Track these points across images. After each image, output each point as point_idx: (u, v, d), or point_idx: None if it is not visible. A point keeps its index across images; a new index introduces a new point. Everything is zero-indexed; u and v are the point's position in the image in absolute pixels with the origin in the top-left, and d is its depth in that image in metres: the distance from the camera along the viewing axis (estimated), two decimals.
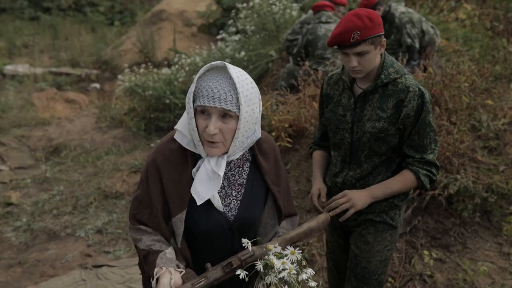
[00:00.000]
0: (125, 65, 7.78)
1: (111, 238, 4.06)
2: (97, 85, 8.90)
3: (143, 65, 7.37)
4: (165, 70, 6.89)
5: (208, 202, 1.56)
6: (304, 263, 1.48)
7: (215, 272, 1.47)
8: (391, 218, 2.11)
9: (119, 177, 5.10)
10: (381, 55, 2.01)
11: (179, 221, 1.54)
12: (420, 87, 1.96)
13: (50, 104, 7.84)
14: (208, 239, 1.59)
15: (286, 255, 1.47)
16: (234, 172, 1.62)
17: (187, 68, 6.53)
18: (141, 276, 1.80)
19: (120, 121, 6.80)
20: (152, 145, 5.93)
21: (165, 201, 1.56)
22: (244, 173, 1.64)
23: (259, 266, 1.45)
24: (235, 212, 1.60)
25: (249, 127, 1.52)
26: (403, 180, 2.02)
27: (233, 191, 1.61)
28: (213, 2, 9.72)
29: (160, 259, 1.51)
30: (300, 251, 1.49)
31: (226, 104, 1.46)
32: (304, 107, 4.14)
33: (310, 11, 5.23)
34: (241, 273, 1.44)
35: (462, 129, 3.51)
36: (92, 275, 3.49)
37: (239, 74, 1.49)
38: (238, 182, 1.62)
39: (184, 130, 1.57)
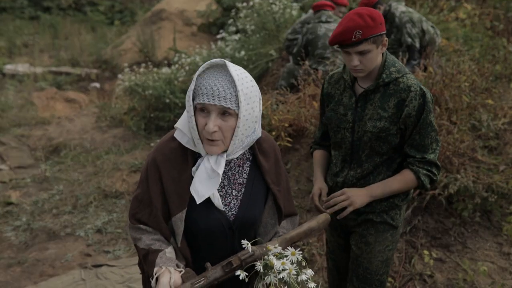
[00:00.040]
0: (125, 64, 7.78)
1: (110, 237, 4.06)
2: (97, 85, 8.90)
3: (143, 65, 7.37)
4: (165, 70, 6.89)
5: (208, 201, 1.56)
6: (304, 263, 1.48)
7: (215, 272, 1.47)
8: (391, 218, 2.11)
9: (119, 177, 5.10)
10: (382, 54, 2.00)
11: (179, 220, 1.54)
12: (422, 86, 1.96)
13: (50, 104, 7.84)
14: (208, 238, 1.59)
15: (286, 256, 1.47)
16: (234, 171, 1.62)
17: (187, 68, 6.53)
18: (140, 275, 1.79)
19: (120, 120, 6.79)
20: (152, 144, 5.92)
21: (165, 200, 1.56)
22: (244, 173, 1.63)
23: (259, 266, 1.45)
24: (235, 212, 1.60)
25: (249, 125, 1.52)
26: (403, 179, 2.02)
27: (233, 191, 1.61)
28: (213, 2, 9.72)
29: (160, 259, 1.50)
30: (301, 252, 1.49)
31: (226, 102, 1.46)
32: (304, 106, 4.13)
33: (311, 11, 5.22)
34: (241, 274, 1.43)
35: (462, 128, 3.51)
36: (92, 275, 3.48)
37: (238, 72, 1.49)
38: (238, 182, 1.62)
39: (184, 128, 1.57)
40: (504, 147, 3.69)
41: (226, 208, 1.60)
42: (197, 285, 1.43)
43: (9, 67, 9.85)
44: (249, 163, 1.65)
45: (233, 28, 7.43)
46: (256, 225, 1.66)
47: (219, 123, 1.48)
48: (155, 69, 6.97)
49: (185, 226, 1.55)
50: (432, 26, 4.79)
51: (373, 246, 2.13)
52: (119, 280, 3.40)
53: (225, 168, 1.59)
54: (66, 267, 3.63)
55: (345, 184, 2.09)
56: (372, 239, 2.12)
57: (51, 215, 4.47)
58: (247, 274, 1.44)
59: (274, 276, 1.41)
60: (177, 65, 6.85)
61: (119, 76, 7.15)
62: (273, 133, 4.04)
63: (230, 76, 1.48)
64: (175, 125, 1.59)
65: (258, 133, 1.60)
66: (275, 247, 1.49)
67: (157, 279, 1.45)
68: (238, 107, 1.48)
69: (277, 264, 1.42)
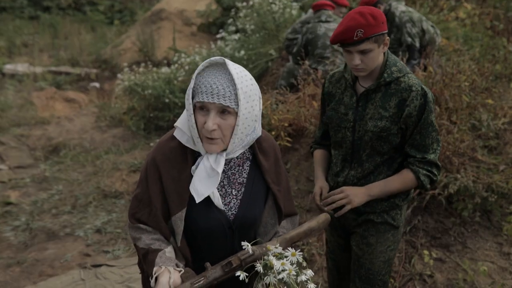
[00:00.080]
0: (125, 64, 7.78)
1: (110, 237, 4.05)
2: (97, 84, 8.89)
3: (143, 64, 7.37)
4: (164, 69, 6.88)
5: (208, 200, 1.55)
6: (304, 264, 1.47)
7: (214, 272, 1.46)
8: (392, 218, 2.10)
9: (119, 177, 5.09)
10: (384, 53, 1.99)
11: (179, 220, 1.53)
12: (423, 86, 1.95)
13: (50, 103, 7.83)
14: (208, 238, 1.58)
15: (286, 256, 1.46)
16: (234, 171, 1.61)
17: (186, 67, 6.53)
18: (140, 275, 1.79)
19: (120, 120, 6.79)
20: (151, 144, 5.92)
21: (164, 200, 1.56)
22: (244, 172, 1.63)
23: (259, 267, 1.44)
24: (235, 211, 1.59)
25: (248, 124, 1.51)
26: (402, 179, 2.01)
27: (233, 190, 1.60)
28: (213, 1, 9.71)
29: (159, 258, 1.50)
30: (301, 253, 1.48)
31: (225, 100, 1.45)
32: (303, 106, 4.13)
33: (310, 10, 5.22)
34: (241, 275, 1.43)
35: (462, 128, 3.50)
36: (91, 275, 3.48)
37: (238, 71, 1.48)
38: (238, 181, 1.61)
39: (184, 127, 1.56)
40: (504, 147, 3.69)
41: (226, 208, 1.59)
42: (197, 285, 1.42)
43: (8, 67, 9.84)
44: (249, 163, 1.64)
45: (232, 28, 7.42)
46: (256, 225, 1.65)
47: (218, 122, 1.48)
48: (154, 69, 6.97)
49: (185, 226, 1.55)
50: (432, 26, 4.78)
51: (374, 247, 2.12)
52: (119, 280, 3.40)
53: (225, 167, 1.59)
54: (66, 267, 3.63)
55: (346, 184, 2.09)
56: (374, 240, 2.11)
57: (50, 215, 4.47)
58: (247, 274, 1.44)
59: (274, 277, 1.41)
60: (176, 65, 6.85)
61: (119, 75, 7.14)
62: (273, 132, 4.04)
63: (230, 74, 1.47)
64: (175, 124, 1.59)
65: (258, 132, 1.59)
66: (276, 247, 1.48)
67: (156, 278, 1.44)
68: (238, 105, 1.47)
69: (276, 264, 1.42)
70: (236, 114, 1.48)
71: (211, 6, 9.82)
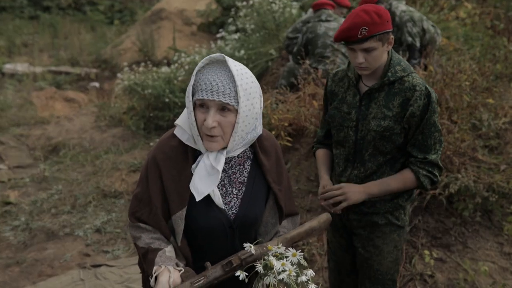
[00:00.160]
0: (125, 64, 7.77)
1: (109, 237, 4.04)
2: (97, 84, 8.88)
3: (143, 64, 7.36)
4: (164, 69, 6.87)
5: (209, 199, 1.54)
6: (305, 264, 1.46)
7: (214, 271, 1.45)
8: (396, 218, 2.10)
9: (118, 176, 5.08)
10: (388, 52, 1.98)
11: (179, 219, 1.52)
12: (427, 86, 1.94)
13: (49, 103, 7.82)
14: (208, 237, 1.57)
15: (286, 256, 1.45)
16: (235, 170, 1.60)
17: (186, 67, 6.51)
18: (140, 275, 1.78)
19: (119, 120, 6.78)
20: (151, 144, 5.91)
21: (165, 199, 1.55)
22: (245, 171, 1.62)
23: (259, 267, 1.43)
24: (236, 211, 1.58)
25: (249, 121, 1.50)
26: (402, 179, 2.00)
27: (234, 189, 1.59)
28: (213, 1, 9.71)
29: (159, 258, 1.49)
30: (302, 253, 1.47)
31: (224, 97, 1.44)
32: (304, 105, 4.12)
33: (311, 10, 5.21)
34: (241, 275, 1.42)
35: (463, 128, 3.49)
36: (91, 275, 3.47)
37: (238, 68, 1.48)
38: (239, 180, 1.60)
39: (184, 125, 1.55)
40: (505, 146, 3.68)
41: (226, 207, 1.58)
42: (197, 284, 1.41)
43: (8, 67, 9.84)
44: (250, 162, 1.63)
45: (232, 27, 7.42)
46: (257, 224, 1.64)
47: (218, 119, 1.47)
48: (154, 69, 6.96)
49: (185, 225, 1.54)
50: (432, 25, 4.78)
51: (381, 248, 2.11)
52: (118, 280, 3.39)
53: (225, 166, 1.58)
54: (65, 267, 3.62)
55: None
56: (380, 242, 2.10)
57: (50, 215, 4.46)
58: (247, 274, 1.43)
59: (274, 277, 1.40)
60: (176, 64, 6.84)
61: (119, 75, 7.13)
62: (273, 132, 4.03)
63: (230, 71, 1.46)
64: (175, 122, 1.58)
65: (259, 130, 1.58)
66: (278, 247, 1.47)
67: (156, 278, 1.43)
68: (238, 102, 1.46)
69: (277, 265, 1.41)
70: (236, 111, 1.47)
71: (211, 6, 9.81)
